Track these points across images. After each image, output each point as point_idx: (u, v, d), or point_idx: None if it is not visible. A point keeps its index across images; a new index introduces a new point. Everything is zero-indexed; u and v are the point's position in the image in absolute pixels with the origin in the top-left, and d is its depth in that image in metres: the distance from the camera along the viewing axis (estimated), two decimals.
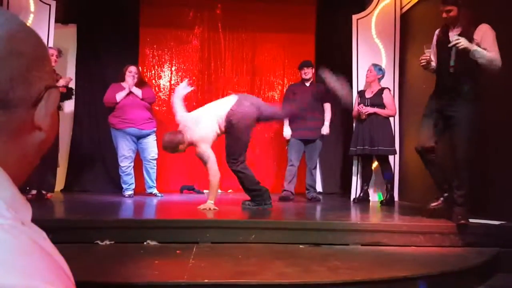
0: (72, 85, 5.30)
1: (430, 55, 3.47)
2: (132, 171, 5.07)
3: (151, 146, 5.08)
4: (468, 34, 3.19)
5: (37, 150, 0.56)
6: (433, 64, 3.48)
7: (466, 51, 3.10)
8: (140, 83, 5.13)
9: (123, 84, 5.01)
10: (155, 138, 5.13)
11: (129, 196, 4.92)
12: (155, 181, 5.16)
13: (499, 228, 3.13)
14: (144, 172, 5.14)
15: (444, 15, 3.28)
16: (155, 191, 5.11)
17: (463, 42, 3.07)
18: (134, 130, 4.96)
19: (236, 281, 2.07)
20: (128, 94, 4.96)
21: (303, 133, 5.00)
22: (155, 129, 5.13)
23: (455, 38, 3.11)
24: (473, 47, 3.09)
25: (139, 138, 5.05)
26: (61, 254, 0.49)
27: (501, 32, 3.25)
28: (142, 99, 5.01)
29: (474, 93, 3.21)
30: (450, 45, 3.16)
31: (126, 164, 4.99)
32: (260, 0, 6.30)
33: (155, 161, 5.14)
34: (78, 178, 5.75)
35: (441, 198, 3.39)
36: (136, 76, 5.04)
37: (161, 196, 5.06)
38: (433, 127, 3.37)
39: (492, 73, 3.16)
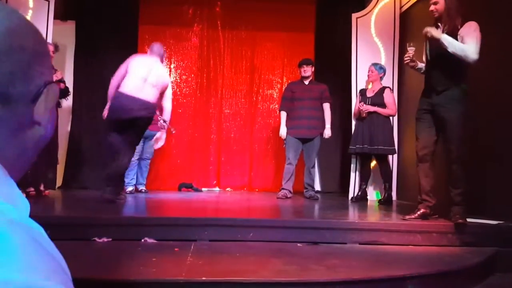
0: (70, 81, 5.29)
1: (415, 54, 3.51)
2: (136, 168, 5.25)
3: (149, 147, 5.23)
4: (454, 30, 3.20)
5: (35, 146, 0.55)
6: (420, 64, 3.51)
7: (435, 39, 3.16)
8: None
9: None
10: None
11: (130, 192, 4.99)
12: (145, 179, 5.44)
13: (497, 228, 3.14)
14: (138, 170, 5.37)
15: (432, 7, 3.30)
16: (143, 188, 5.37)
17: (431, 31, 3.16)
18: None
19: (234, 279, 2.07)
20: None
21: (301, 132, 4.99)
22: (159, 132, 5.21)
23: (425, 30, 3.19)
24: (441, 35, 3.13)
25: (145, 137, 5.06)
26: (59, 251, 0.49)
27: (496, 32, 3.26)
28: None
29: (462, 93, 3.21)
30: (423, 34, 3.26)
31: (134, 158, 5.05)
32: None
33: (149, 161, 5.42)
34: (76, 175, 5.74)
35: (418, 212, 3.34)
36: None
37: (147, 192, 5.34)
38: (428, 133, 3.38)
39: (469, 65, 3.17)
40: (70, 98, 5.41)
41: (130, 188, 5.03)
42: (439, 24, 3.32)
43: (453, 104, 3.20)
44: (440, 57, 3.24)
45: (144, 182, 5.43)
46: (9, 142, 0.51)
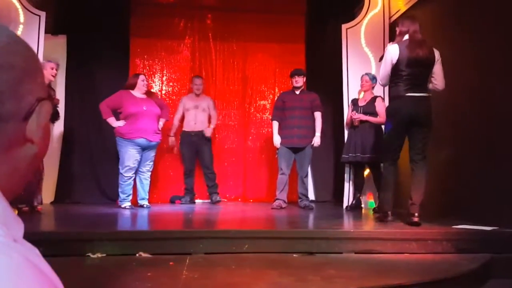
0: (62, 95, 5.25)
1: None
2: (133, 182, 4.94)
3: (150, 158, 5.00)
4: None
5: (29, 164, 0.54)
6: None
7: None
8: (148, 93, 5.11)
9: (133, 92, 4.93)
10: (156, 151, 5.10)
11: (126, 207, 4.78)
12: (147, 193, 5.06)
13: (491, 234, 3.15)
14: (138, 183, 5.03)
15: None
16: (145, 202, 4.98)
17: None
18: (143, 141, 4.81)
19: None
20: (141, 102, 4.86)
21: (292, 141, 5.00)
22: (159, 141, 5.06)
23: None
24: None
25: (144, 149, 4.91)
26: (52, 267, 0.48)
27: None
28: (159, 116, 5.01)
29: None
30: None
31: (129, 174, 4.83)
32: (250, 10, 6.35)
33: (149, 173, 5.06)
34: (69, 189, 5.68)
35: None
36: (146, 84, 5.07)
37: (149, 207, 4.96)
38: None
39: None
40: (61, 112, 5.39)
41: (126, 204, 4.81)
42: None
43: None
44: None
45: (147, 197, 5.04)
46: (1, 161, 0.50)
